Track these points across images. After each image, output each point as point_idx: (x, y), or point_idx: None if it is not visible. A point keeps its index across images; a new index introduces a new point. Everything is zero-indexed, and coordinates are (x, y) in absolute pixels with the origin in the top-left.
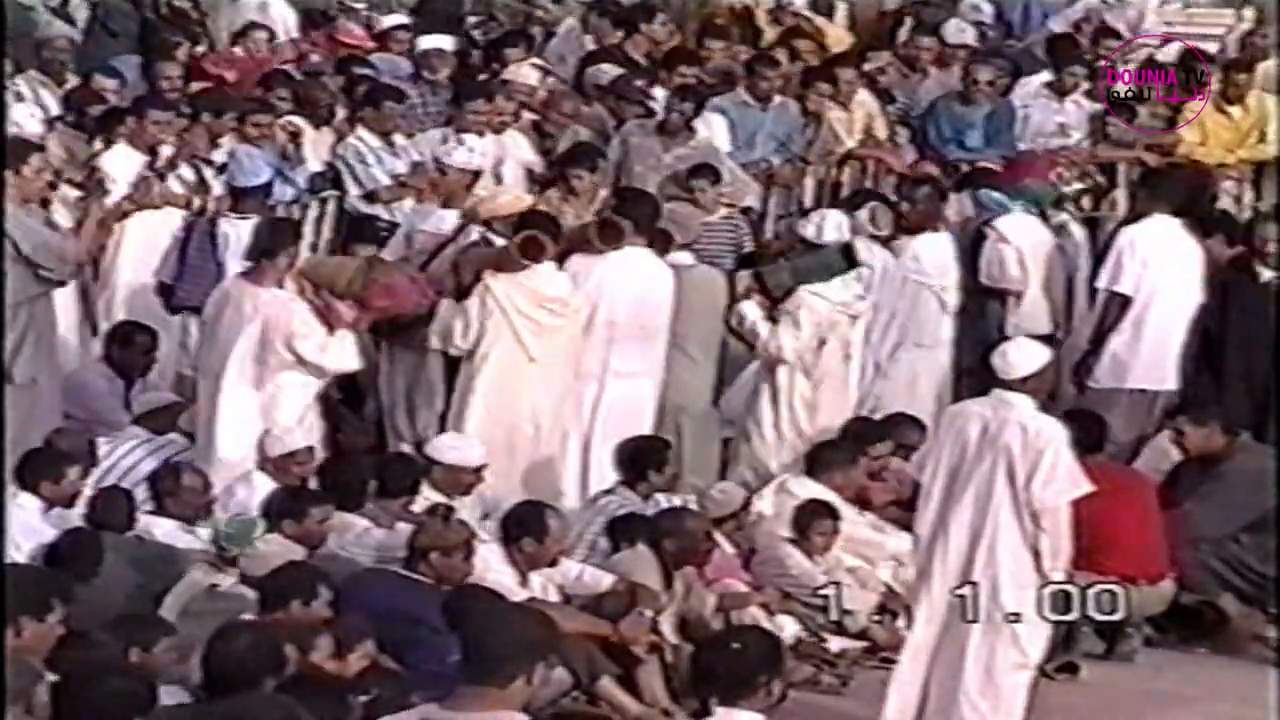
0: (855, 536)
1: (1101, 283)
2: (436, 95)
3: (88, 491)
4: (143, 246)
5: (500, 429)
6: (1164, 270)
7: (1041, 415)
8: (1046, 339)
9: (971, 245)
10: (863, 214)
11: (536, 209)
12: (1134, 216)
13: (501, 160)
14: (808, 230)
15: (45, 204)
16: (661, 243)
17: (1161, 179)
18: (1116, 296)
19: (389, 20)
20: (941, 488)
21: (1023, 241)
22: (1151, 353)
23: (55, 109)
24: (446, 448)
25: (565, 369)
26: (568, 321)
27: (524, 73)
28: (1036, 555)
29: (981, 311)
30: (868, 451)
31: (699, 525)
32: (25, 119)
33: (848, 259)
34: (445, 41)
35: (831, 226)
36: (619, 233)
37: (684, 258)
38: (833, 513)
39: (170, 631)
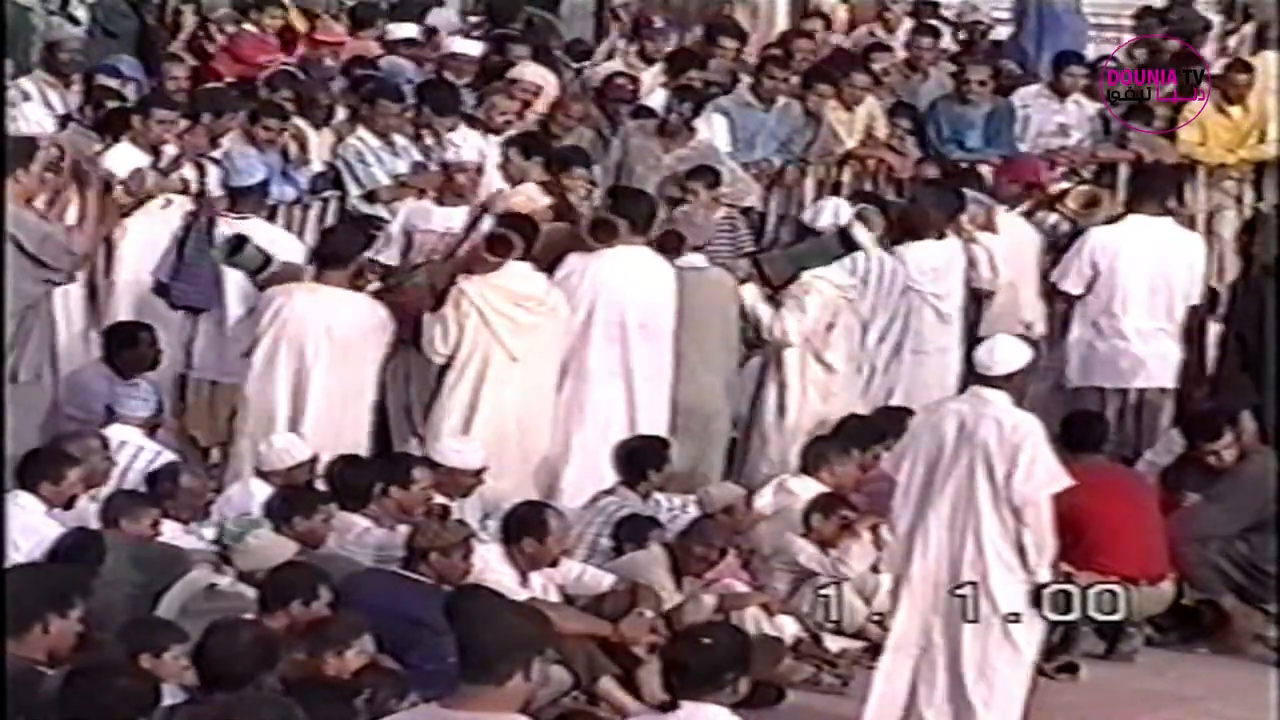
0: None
1: (1053, 278)
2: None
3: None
4: (144, 244)
5: (488, 431)
6: (1138, 271)
7: (1017, 411)
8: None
9: None
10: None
11: (513, 212)
12: (1114, 217)
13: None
14: (806, 216)
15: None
16: (674, 244)
17: (1147, 178)
18: (1061, 293)
19: (400, 30)
20: (919, 485)
21: (994, 243)
22: (1121, 351)
23: (61, 109)
24: (450, 451)
25: (549, 367)
26: (545, 319)
27: (531, 72)
28: (1022, 552)
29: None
30: (859, 446)
31: (719, 537)
32: (42, 118)
33: (845, 244)
34: (473, 46)
35: (829, 212)
36: (613, 231)
37: (697, 259)
38: (847, 504)
39: (182, 638)
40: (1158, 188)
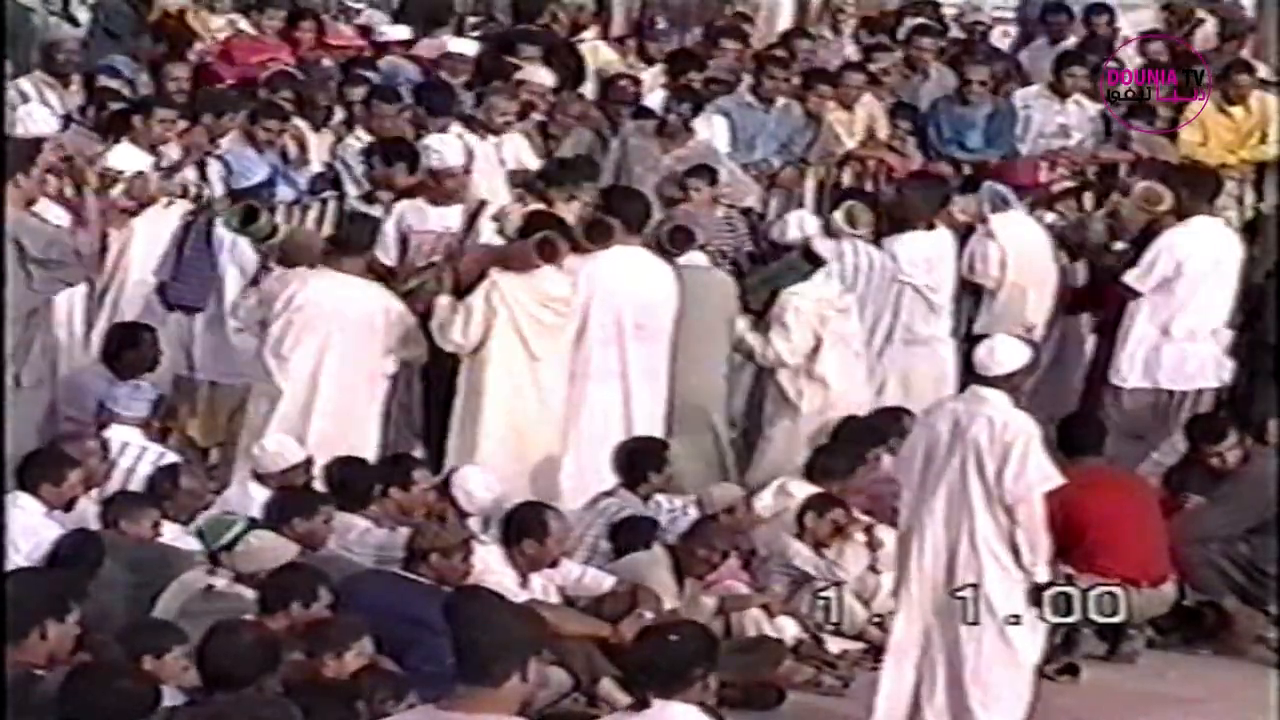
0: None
1: (1129, 278)
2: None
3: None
4: (149, 246)
5: (511, 430)
6: (1202, 273)
7: (1012, 410)
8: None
9: (961, 238)
10: (838, 214)
11: (543, 210)
12: (1178, 218)
13: (473, 157)
14: (773, 232)
15: (64, 200)
16: (682, 239)
17: (1196, 179)
18: (1131, 292)
19: (392, 32)
20: (916, 484)
21: (1010, 242)
22: (1190, 353)
23: (61, 109)
24: (460, 491)
25: (563, 369)
26: (567, 321)
27: (540, 73)
28: (1017, 551)
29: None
30: (864, 455)
31: (721, 539)
32: (48, 118)
33: (809, 258)
34: (468, 46)
35: (794, 225)
36: (608, 232)
37: (699, 259)
38: (840, 505)
39: (183, 639)
40: (1207, 188)
